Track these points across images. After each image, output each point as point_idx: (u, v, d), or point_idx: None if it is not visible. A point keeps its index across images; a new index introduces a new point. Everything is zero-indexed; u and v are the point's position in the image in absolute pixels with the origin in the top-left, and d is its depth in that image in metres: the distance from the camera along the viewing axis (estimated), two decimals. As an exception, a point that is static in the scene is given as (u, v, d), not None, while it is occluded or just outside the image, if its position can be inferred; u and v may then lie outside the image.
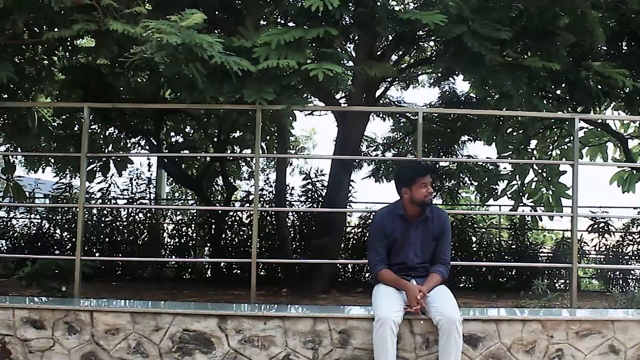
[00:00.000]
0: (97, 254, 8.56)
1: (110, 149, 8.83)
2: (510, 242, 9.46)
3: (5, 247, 9.27)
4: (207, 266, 9.18)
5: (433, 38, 6.37)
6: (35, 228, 9.40)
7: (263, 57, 4.45)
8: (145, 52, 4.00)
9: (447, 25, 4.79)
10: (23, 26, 5.14)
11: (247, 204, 9.35)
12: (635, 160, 8.86)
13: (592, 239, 9.14)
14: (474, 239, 9.35)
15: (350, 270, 8.93)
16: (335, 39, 4.94)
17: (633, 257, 9.11)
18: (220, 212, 9.00)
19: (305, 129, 19.87)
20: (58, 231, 9.28)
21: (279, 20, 6.35)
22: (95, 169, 8.37)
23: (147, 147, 9.18)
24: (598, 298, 7.44)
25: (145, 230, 9.29)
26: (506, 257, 9.12)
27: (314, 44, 4.83)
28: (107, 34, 4.60)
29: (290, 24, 5.58)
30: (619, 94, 6.07)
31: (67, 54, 7.11)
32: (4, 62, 5.06)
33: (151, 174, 10.02)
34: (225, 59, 4.16)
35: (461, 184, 10.26)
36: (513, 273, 8.70)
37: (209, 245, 9.47)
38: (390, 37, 7.02)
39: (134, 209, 9.18)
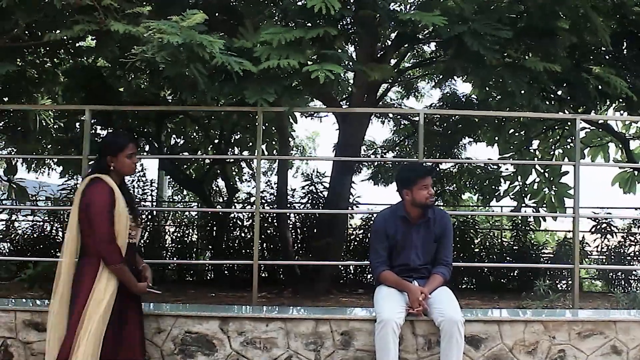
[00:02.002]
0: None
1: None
2: (512, 243, 9.45)
3: (8, 250, 9.28)
4: (208, 268, 9.18)
5: (433, 39, 6.37)
6: (37, 230, 9.41)
7: (264, 57, 4.45)
8: (146, 52, 4.00)
9: (447, 25, 4.79)
10: (24, 28, 5.14)
11: (249, 206, 9.36)
12: (636, 161, 8.84)
13: (594, 240, 9.13)
14: (475, 240, 9.35)
15: (352, 271, 8.93)
16: (335, 40, 4.94)
17: (635, 258, 9.10)
18: (221, 214, 8.99)
19: (307, 130, 19.91)
20: (60, 233, 9.29)
21: (278, 22, 6.35)
22: (96, 171, 8.35)
23: (148, 150, 9.19)
24: (600, 299, 7.43)
25: (146, 233, 9.29)
26: (508, 258, 9.11)
27: (314, 45, 4.83)
28: (108, 35, 4.60)
29: (291, 25, 5.58)
30: (620, 95, 6.09)
31: (69, 56, 7.12)
32: (5, 63, 5.07)
33: (157, 181, 10.04)
34: (226, 59, 4.16)
35: (463, 186, 10.28)
36: (515, 274, 8.69)
37: (210, 247, 9.46)
38: (391, 39, 7.03)
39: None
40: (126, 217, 3.59)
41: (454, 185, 10.32)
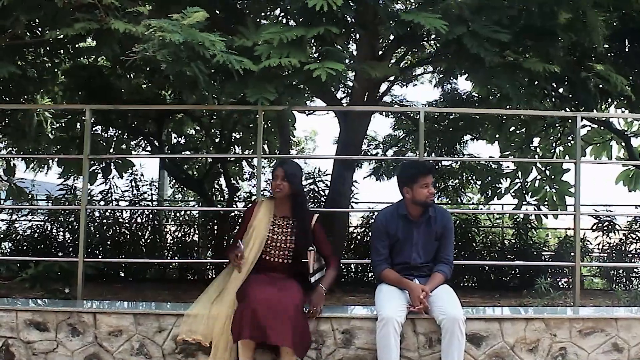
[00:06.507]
0: (100, 256, 8.57)
1: (112, 150, 8.84)
2: (513, 240, 9.44)
3: (9, 250, 9.29)
4: (209, 267, 9.18)
5: (433, 39, 6.36)
6: (38, 230, 9.41)
7: (265, 56, 4.44)
8: (147, 51, 3.99)
9: (447, 27, 4.78)
10: (24, 26, 5.13)
11: (250, 205, 9.34)
12: (638, 158, 8.83)
13: (596, 237, 9.12)
14: (477, 238, 9.35)
15: (353, 270, 8.92)
16: (336, 38, 4.93)
17: (636, 255, 9.09)
18: (222, 213, 8.99)
19: (306, 130, 19.86)
20: (61, 233, 9.29)
21: (280, 19, 6.35)
22: (97, 170, 8.38)
23: (149, 149, 9.19)
24: (601, 296, 7.43)
25: (147, 232, 9.29)
26: (509, 256, 9.10)
27: (315, 43, 4.83)
28: (109, 33, 4.60)
29: (292, 23, 5.58)
30: (621, 93, 6.08)
31: (69, 56, 7.12)
32: (5, 62, 5.06)
33: (155, 179, 10.03)
34: (227, 57, 4.15)
35: (464, 183, 10.27)
36: (516, 272, 8.70)
37: (211, 246, 9.46)
38: (392, 37, 7.02)
39: (137, 210, 9.18)
40: None
41: (456, 182, 10.32)
